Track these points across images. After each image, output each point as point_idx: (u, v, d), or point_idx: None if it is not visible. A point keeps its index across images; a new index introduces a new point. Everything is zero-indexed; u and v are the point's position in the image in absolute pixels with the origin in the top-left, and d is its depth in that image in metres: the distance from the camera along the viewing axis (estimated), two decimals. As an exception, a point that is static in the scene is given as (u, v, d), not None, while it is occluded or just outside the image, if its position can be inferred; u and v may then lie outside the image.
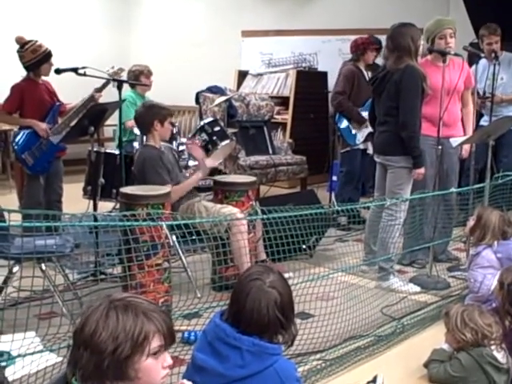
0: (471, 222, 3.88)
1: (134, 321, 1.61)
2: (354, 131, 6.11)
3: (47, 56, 4.85)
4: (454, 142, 4.57)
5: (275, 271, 2.22)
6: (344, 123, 6.12)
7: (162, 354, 1.64)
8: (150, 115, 4.27)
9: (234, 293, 2.19)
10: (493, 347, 2.87)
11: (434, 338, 3.49)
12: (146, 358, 1.60)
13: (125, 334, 1.59)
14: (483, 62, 5.49)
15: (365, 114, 6.01)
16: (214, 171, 5.16)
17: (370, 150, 6.11)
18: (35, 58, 4.80)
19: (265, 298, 2.10)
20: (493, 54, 5.55)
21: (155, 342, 1.61)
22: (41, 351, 2.60)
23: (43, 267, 3.37)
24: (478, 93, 4.98)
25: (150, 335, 1.61)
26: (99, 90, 4.88)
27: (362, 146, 6.16)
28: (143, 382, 1.62)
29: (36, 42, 4.86)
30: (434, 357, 3.05)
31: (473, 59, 5.53)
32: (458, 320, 2.91)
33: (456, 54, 4.53)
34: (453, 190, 4.48)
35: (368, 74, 6.19)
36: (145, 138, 4.51)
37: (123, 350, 1.59)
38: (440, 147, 4.41)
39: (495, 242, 3.70)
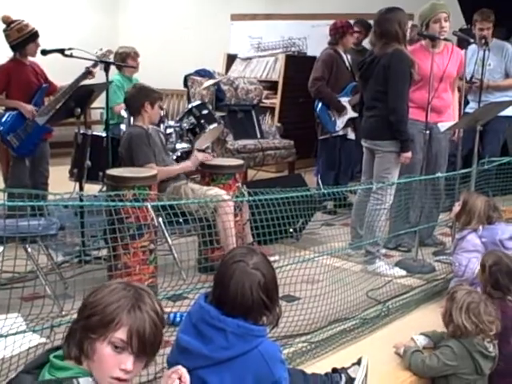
0: (457, 208, 3.89)
1: (117, 302, 1.61)
2: (333, 118, 6.06)
3: (33, 36, 4.80)
4: (442, 126, 4.59)
5: (258, 253, 2.21)
6: (322, 109, 6.06)
7: (125, 353, 1.60)
8: (142, 96, 4.27)
9: (218, 275, 2.18)
10: (487, 338, 2.88)
11: (419, 321, 3.53)
12: (105, 344, 1.59)
13: (102, 306, 1.60)
14: (473, 46, 5.50)
15: (344, 100, 6.00)
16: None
17: (351, 136, 6.10)
18: (21, 38, 4.76)
19: (248, 279, 2.10)
20: (483, 40, 5.56)
21: (119, 334, 1.59)
22: (23, 332, 2.59)
23: (28, 249, 3.35)
24: (465, 78, 4.99)
25: (118, 323, 1.59)
26: (85, 75, 4.81)
27: (341, 132, 6.09)
28: (95, 366, 1.61)
29: (22, 21, 4.82)
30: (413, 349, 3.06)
31: (462, 45, 5.53)
32: (462, 309, 2.87)
33: (446, 39, 4.52)
34: (439, 174, 4.49)
35: (348, 58, 6.15)
36: (132, 119, 4.49)
37: (92, 320, 1.59)
38: (428, 132, 4.41)
39: (480, 227, 3.72)
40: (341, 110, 5.99)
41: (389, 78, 4.20)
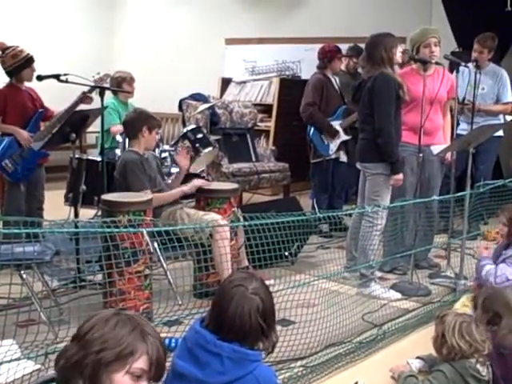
0: (503, 228, 3.93)
1: (128, 333, 1.61)
2: (326, 141, 6.09)
3: (28, 61, 4.83)
4: (435, 149, 4.61)
5: (258, 278, 2.23)
6: (315, 134, 6.08)
7: (142, 381, 1.59)
8: (141, 120, 4.28)
9: (216, 298, 2.19)
10: (480, 359, 2.86)
11: (415, 344, 3.52)
12: (124, 374, 1.58)
13: (115, 340, 1.59)
14: (467, 68, 5.55)
15: (336, 123, 6.04)
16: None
17: (343, 158, 6.12)
18: (16, 63, 4.78)
19: (247, 304, 2.11)
20: (474, 63, 5.62)
21: (139, 363, 1.59)
22: (18, 359, 2.57)
23: (23, 275, 3.34)
24: (458, 99, 5.02)
25: (137, 353, 1.59)
26: (81, 100, 4.81)
27: (333, 156, 6.11)
28: None
29: (17, 47, 4.85)
30: (406, 373, 3.04)
31: (453, 68, 5.58)
32: (455, 329, 2.86)
33: (437, 63, 4.58)
34: (434, 197, 4.50)
35: (337, 81, 6.20)
36: (128, 144, 4.50)
37: (107, 354, 1.58)
38: (421, 155, 4.44)
39: None
40: (333, 133, 6.03)
41: (373, 100, 4.24)
